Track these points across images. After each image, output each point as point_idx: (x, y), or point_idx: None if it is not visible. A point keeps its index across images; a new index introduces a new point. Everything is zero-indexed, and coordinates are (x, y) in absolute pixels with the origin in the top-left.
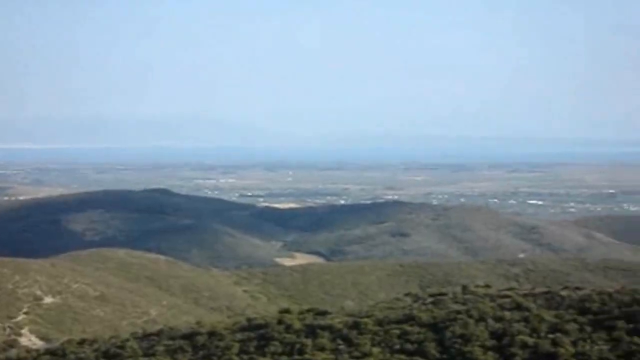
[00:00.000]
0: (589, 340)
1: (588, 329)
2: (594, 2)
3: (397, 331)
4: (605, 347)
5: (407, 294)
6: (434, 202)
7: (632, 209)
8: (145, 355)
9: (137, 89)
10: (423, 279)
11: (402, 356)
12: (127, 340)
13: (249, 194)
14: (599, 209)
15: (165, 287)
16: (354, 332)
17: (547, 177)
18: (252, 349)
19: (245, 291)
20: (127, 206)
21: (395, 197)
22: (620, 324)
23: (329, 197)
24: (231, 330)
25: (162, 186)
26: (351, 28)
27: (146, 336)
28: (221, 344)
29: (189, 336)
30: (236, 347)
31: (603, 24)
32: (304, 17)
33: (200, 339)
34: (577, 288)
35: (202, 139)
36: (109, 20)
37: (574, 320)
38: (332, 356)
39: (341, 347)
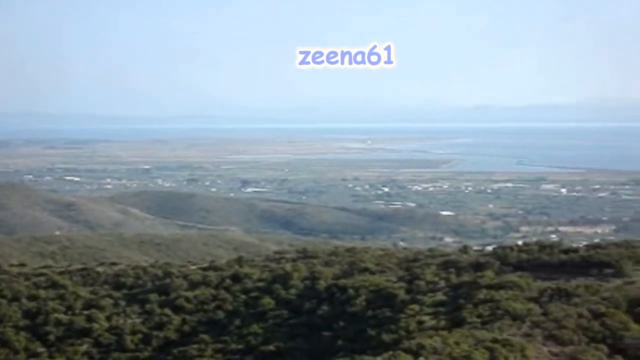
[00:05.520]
0: (123, 314)
1: (123, 303)
2: None
3: None
4: (138, 320)
5: None
6: None
7: (166, 184)
8: None
9: None
10: None
11: None
12: None
13: None
14: (134, 184)
15: None
16: None
17: (84, 153)
18: None
19: None
20: None
21: None
22: (153, 296)
23: None
24: None
25: None
26: None
27: None
28: None
29: None
30: None
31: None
32: None
33: None
34: (113, 263)
35: None
36: None
37: (109, 296)
38: None
39: None
